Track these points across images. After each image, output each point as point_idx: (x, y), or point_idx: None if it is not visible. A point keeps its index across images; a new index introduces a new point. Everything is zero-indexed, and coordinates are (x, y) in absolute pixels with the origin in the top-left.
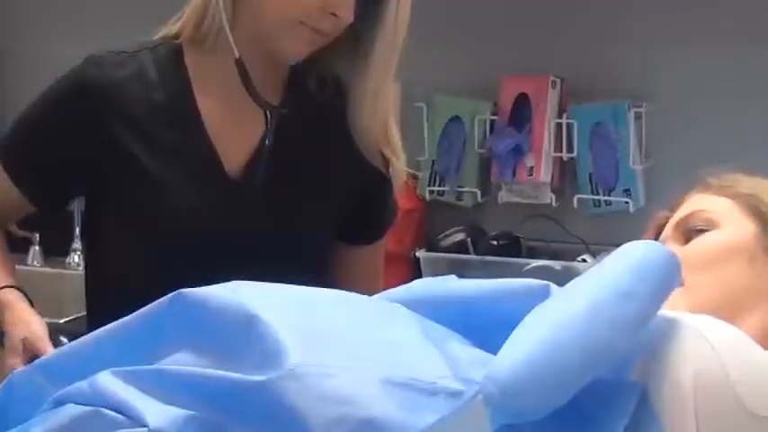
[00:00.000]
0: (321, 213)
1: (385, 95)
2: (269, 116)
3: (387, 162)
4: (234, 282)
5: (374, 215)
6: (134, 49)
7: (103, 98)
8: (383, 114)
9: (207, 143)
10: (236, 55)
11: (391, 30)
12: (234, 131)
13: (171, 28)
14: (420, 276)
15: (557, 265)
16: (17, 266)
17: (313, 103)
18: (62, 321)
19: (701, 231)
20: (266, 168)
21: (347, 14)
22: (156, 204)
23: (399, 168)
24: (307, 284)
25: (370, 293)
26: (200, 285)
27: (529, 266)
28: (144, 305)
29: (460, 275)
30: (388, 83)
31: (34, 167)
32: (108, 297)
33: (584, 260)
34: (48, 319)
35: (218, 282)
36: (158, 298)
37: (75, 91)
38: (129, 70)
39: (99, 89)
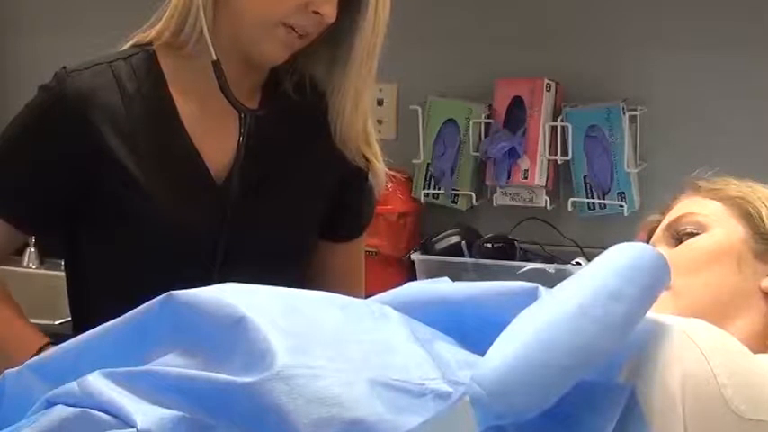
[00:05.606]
0: (305, 212)
1: (365, 99)
2: (244, 118)
3: (367, 163)
4: (223, 283)
5: (353, 210)
6: (107, 60)
7: (84, 105)
8: (363, 117)
9: (191, 147)
10: (214, 57)
11: (371, 33)
12: (214, 134)
13: (143, 35)
14: (415, 279)
15: (551, 268)
16: (12, 268)
17: (291, 104)
18: (57, 323)
19: (691, 235)
20: (248, 170)
21: (330, 12)
22: (146, 211)
23: (380, 169)
24: (294, 285)
25: (351, 294)
26: (189, 287)
27: (523, 269)
28: (132, 309)
29: (455, 278)
30: (368, 86)
31: (22, 192)
32: (95, 304)
33: (578, 263)
34: (43, 321)
35: (206, 283)
36: (147, 301)
37: (55, 104)
38: (106, 79)
39: (79, 97)
